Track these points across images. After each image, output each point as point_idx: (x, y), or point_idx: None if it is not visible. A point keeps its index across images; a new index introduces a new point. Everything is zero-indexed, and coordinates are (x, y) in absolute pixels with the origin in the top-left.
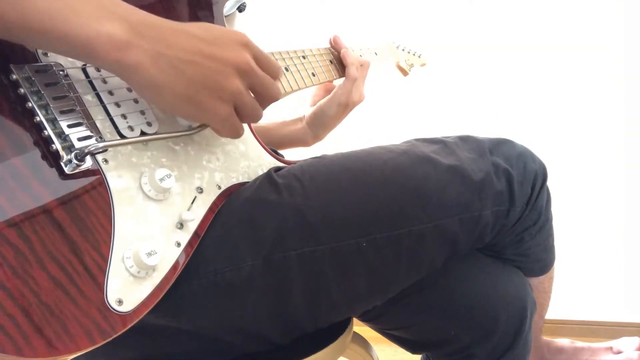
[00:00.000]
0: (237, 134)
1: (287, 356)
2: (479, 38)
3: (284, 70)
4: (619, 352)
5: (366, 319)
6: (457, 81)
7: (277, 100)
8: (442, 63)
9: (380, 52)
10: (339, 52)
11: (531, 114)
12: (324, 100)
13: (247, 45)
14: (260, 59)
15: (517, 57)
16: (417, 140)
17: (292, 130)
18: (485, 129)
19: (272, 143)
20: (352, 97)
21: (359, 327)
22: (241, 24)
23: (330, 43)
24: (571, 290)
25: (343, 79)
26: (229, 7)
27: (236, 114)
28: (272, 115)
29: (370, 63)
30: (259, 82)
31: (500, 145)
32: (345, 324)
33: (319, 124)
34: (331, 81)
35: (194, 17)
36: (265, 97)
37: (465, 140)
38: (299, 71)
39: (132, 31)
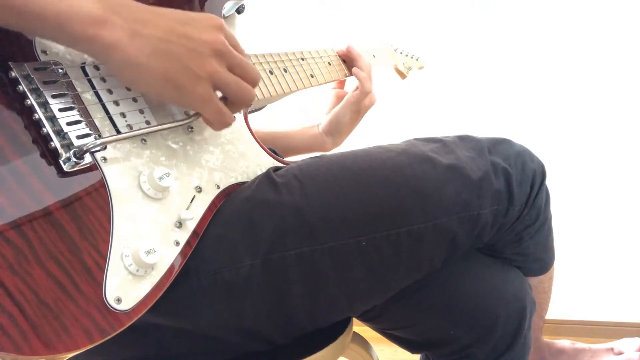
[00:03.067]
0: (223, 119)
1: (287, 356)
2: (478, 38)
3: (283, 72)
4: (620, 353)
5: (366, 318)
6: (456, 81)
7: (258, 79)
8: (441, 63)
9: (378, 54)
10: (350, 61)
11: (530, 114)
12: (338, 108)
13: (220, 28)
14: (232, 43)
15: (516, 57)
16: (416, 139)
17: (310, 136)
18: (484, 129)
19: (292, 149)
20: (363, 104)
21: (359, 327)
22: (240, 26)
23: (343, 53)
24: (571, 290)
25: (347, 78)
26: (227, 9)
27: (225, 98)
28: (275, 118)
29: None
30: (236, 63)
31: (498, 145)
32: (345, 324)
33: (336, 131)
34: (340, 82)
35: None
36: (247, 79)
37: (464, 139)
38: (297, 72)
39: (108, 8)
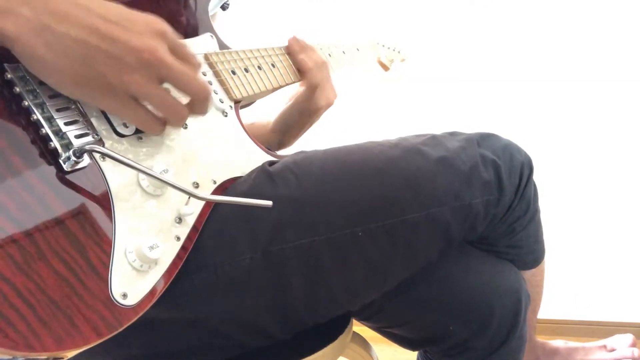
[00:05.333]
0: (148, 128)
1: (287, 355)
2: (468, 37)
3: (271, 67)
4: (612, 350)
5: (365, 317)
6: (445, 81)
7: (203, 95)
8: (430, 63)
9: (361, 48)
10: (295, 58)
11: (517, 113)
12: (285, 107)
13: (160, 33)
14: (177, 51)
15: (503, 57)
16: (407, 135)
17: (259, 134)
18: (471, 128)
19: None
20: (318, 103)
21: (359, 327)
22: (225, 22)
23: (287, 48)
24: (571, 290)
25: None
26: (212, 6)
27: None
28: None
29: (352, 60)
30: (172, 75)
31: (487, 139)
32: (345, 324)
33: (283, 130)
34: None
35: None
36: (187, 92)
37: (453, 134)
38: (285, 67)
39: None
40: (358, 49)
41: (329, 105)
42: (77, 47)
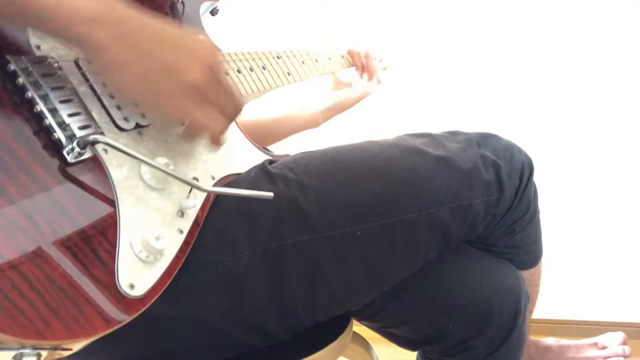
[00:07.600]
0: (199, 135)
1: (287, 356)
2: (468, 38)
3: (261, 69)
4: (603, 348)
5: (365, 316)
6: (444, 81)
7: (240, 110)
8: (428, 63)
9: (333, 57)
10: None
11: (518, 113)
12: (344, 91)
13: (218, 51)
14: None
15: (503, 57)
16: (406, 135)
17: (304, 113)
18: (471, 128)
19: (287, 132)
20: (369, 88)
21: (359, 327)
22: (214, 27)
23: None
24: (570, 290)
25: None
26: (201, 12)
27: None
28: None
29: (323, 69)
30: (223, 89)
31: (487, 139)
32: (345, 324)
33: (334, 108)
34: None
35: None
36: (228, 107)
37: (453, 134)
38: (275, 70)
39: (100, 10)
40: (330, 58)
41: (367, 94)
42: (153, 48)
